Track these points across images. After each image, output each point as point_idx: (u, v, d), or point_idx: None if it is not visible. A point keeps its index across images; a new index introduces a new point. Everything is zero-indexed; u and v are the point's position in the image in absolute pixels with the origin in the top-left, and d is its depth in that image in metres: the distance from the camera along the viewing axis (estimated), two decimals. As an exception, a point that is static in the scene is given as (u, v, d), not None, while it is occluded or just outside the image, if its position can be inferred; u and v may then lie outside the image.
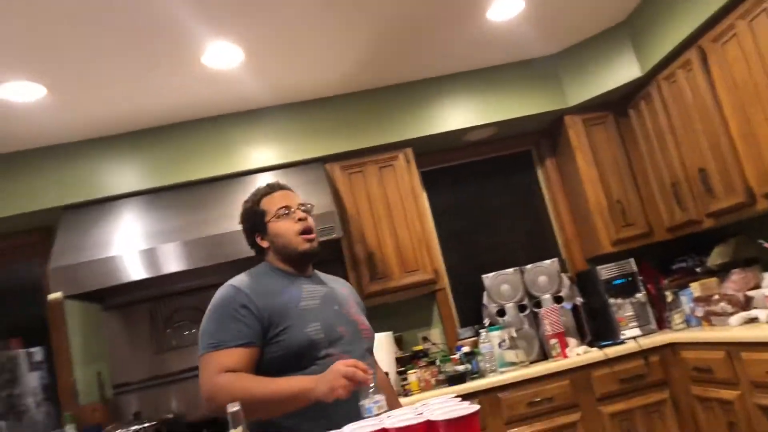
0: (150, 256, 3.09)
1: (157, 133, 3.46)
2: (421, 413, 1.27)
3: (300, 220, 1.86)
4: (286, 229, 1.85)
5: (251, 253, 3.03)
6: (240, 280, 1.82)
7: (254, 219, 1.90)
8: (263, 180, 3.44)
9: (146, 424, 3.03)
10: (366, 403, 1.72)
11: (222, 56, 2.87)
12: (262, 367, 1.72)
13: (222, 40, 2.74)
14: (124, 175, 3.40)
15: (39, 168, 3.35)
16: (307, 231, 1.86)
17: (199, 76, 3.01)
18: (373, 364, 1.93)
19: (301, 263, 1.89)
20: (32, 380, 4.48)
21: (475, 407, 1.19)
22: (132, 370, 3.47)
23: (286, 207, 1.87)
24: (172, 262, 3.10)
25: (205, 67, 2.95)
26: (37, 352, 4.56)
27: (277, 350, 1.72)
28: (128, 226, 3.26)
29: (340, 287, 1.98)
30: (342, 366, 1.59)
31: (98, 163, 3.40)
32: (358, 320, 1.89)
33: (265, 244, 1.90)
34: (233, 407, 1.25)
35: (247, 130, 3.52)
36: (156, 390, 3.45)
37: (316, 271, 1.98)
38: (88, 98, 2.99)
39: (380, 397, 1.73)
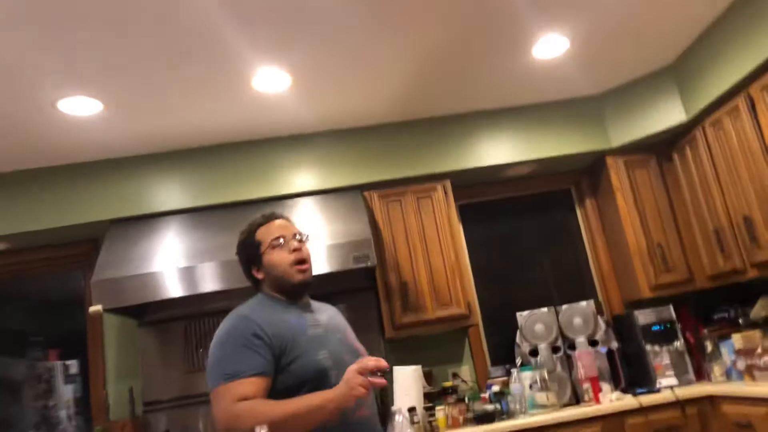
0: (189, 274, 3.15)
1: (203, 153, 3.56)
2: None
3: (294, 250, 1.86)
4: (280, 260, 1.85)
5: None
6: (248, 309, 1.83)
7: (249, 250, 1.90)
8: (303, 204, 3.51)
9: (174, 443, 3.05)
10: None
11: (271, 80, 2.95)
12: (272, 396, 1.72)
13: (271, 64, 2.82)
14: (169, 193, 3.50)
15: (90, 181, 3.47)
16: (301, 261, 1.86)
17: (248, 98, 3.10)
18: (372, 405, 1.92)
19: (296, 293, 1.89)
20: (66, 393, 4.56)
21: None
22: (163, 388, 3.50)
23: (281, 237, 1.87)
24: (210, 281, 3.15)
25: (255, 91, 3.03)
26: (73, 365, 4.65)
27: (289, 378, 1.72)
28: (170, 243, 3.33)
29: (335, 315, 2.00)
30: (352, 371, 1.63)
31: (146, 179, 3.50)
32: (359, 348, 1.92)
33: (260, 275, 1.90)
34: (262, 428, 1.26)
35: (289, 154, 3.59)
36: (185, 410, 3.47)
37: (312, 301, 1.99)
38: (141, 115, 3.10)
39: (410, 430, 1.73)
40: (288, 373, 1.72)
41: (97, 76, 2.68)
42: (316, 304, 1.99)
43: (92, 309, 3.05)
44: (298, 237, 1.91)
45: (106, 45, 2.47)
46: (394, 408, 1.81)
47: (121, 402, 3.50)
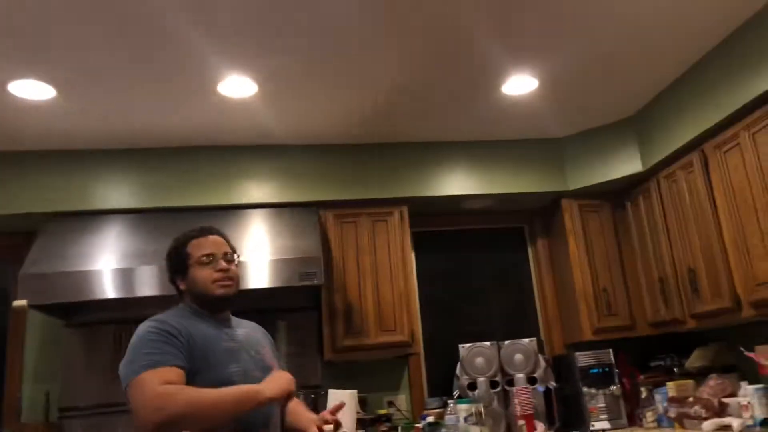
0: (125, 276, 3.02)
1: (156, 153, 3.44)
2: None
3: (220, 269, 1.85)
4: (204, 277, 1.85)
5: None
6: (164, 315, 1.81)
7: (177, 260, 1.89)
8: (256, 216, 3.43)
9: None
10: None
11: (237, 86, 2.89)
12: None
13: (238, 71, 2.76)
14: (115, 191, 3.36)
15: (33, 171, 3.31)
16: (223, 279, 1.86)
17: (212, 102, 3.02)
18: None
19: (215, 307, 1.89)
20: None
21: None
22: (82, 395, 3.30)
23: (210, 255, 1.86)
24: (147, 285, 3.03)
25: (220, 95, 2.95)
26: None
27: (198, 387, 1.67)
28: (110, 243, 3.20)
29: (255, 332, 2.01)
30: (289, 375, 1.75)
31: (93, 174, 3.36)
32: (273, 366, 1.91)
33: (183, 286, 1.90)
34: None
35: (247, 164, 3.51)
36: (103, 418, 3.27)
37: (233, 317, 1.98)
38: (96, 108, 2.98)
39: None
40: (198, 382, 1.68)
41: (52, 61, 2.56)
42: (236, 321, 1.98)
43: (16, 303, 2.89)
44: (228, 257, 1.90)
45: (66, 30, 2.37)
46: (326, 428, 1.75)
47: (35, 406, 3.29)
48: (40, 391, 3.31)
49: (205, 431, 1.61)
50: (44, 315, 3.32)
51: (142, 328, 1.75)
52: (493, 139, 3.76)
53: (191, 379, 1.68)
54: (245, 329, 1.96)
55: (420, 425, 3.18)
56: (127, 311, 3.38)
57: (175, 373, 1.64)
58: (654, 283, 3.48)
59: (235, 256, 1.94)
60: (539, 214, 4.08)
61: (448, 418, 3.11)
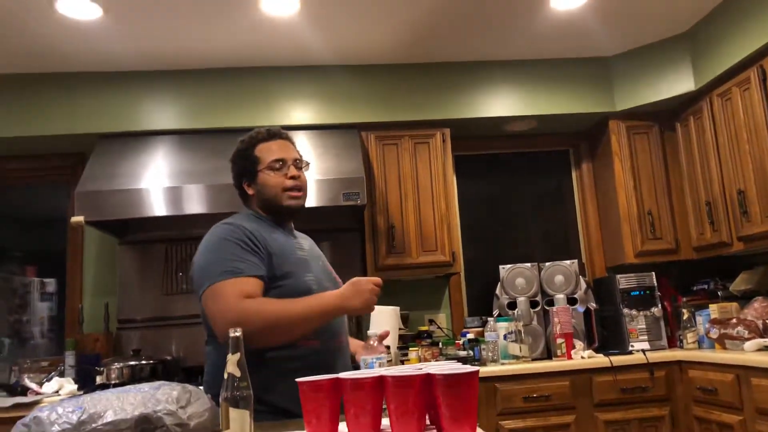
0: (174, 194, 3.11)
1: (201, 74, 3.48)
2: (420, 369, 1.26)
3: (292, 177, 1.80)
4: (275, 183, 1.79)
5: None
6: (236, 219, 1.76)
7: (245, 164, 1.82)
8: (298, 137, 3.42)
9: (144, 362, 3.06)
10: (368, 358, 1.72)
11: (279, 1, 2.84)
12: None
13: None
14: (162, 112, 3.43)
15: (82, 92, 3.39)
16: (295, 188, 1.81)
17: (254, 20, 3.00)
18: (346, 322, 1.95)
19: (284, 218, 1.85)
20: (41, 310, 4.56)
21: (475, 368, 1.17)
22: (138, 308, 3.49)
23: (281, 160, 1.80)
24: (195, 203, 3.12)
25: (262, 12, 2.93)
26: (50, 283, 4.63)
27: (276, 296, 1.66)
28: (159, 162, 3.29)
29: (314, 245, 1.98)
30: (365, 280, 1.64)
31: (140, 96, 3.43)
32: (336, 278, 1.91)
33: (251, 191, 1.84)
34: (235, 332, 1.24)
35: (289, 84, 3.51)
36: (158, 330, 3.47)
37: (293, 227, 1.96)
38: (141, 28, 3.01)
39: (383, 354, 1.73)
40: (276, 290, 1.67)
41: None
42: (297, 233, 1.95)
43: (74, 219, 3.02)
44: (298, 163, 1.84)
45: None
46: (370, 332, 1.81)
47: (96, 317, 3.49)
48: (100, 304, 3.50)
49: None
50: (100, 232, 3.47)
51: (218, 230, 1.71)
52: (538, 58, 3.66)
53: (270, 288, 1.66)
54: (308, 241, 1.94)
55: (460, 341, 3.27)
56: (176, 229, 3.53)
57: (253, 283, 1.61)
58: (701, 206, 3.41)
59: (306, 163, 1.89)
60: (585, 136, 4.00)
61: (488, 335, 3.19)
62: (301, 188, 1.83)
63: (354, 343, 1.98)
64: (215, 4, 2.85)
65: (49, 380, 3.01)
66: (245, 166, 1.83)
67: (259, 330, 1.53)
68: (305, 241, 1.92)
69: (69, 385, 2.94)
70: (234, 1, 2.83)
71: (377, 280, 1.66)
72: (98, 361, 3.23)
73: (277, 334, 1.59)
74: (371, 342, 1.78)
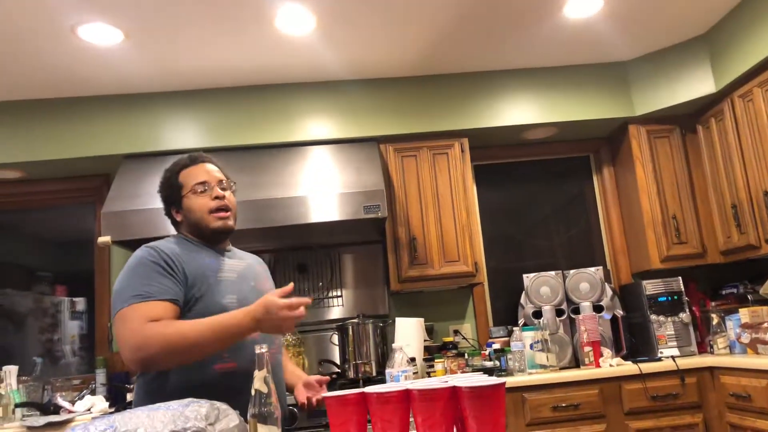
0: (198, 212, 3.14)
1: (220, 93, 3.53)
2: (446, 381, 1.26)
3: (216, 198, 1.80)
4: (199, 206, 1.80)
5: (296, 221, 3.09)
6: (158, 244, 1.76)
7: (170, 192, 1.85)
8: (318, 152, 3.49)
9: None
10: (394, 371, 1.72)
11: (295, 21, 2.90)
12: None
13: (296, 2, 2.76)
14: (183, 132, 3.48)
15: (105, 115, 3.46)
16: (221, 209, 1.81)
17: (270, 39, 3.05)
18: (281, 344, 1.90)
19: (215, 240, 1.84)
20: (72, 328, 4.63)
21: (501, 380, 1.17)
22: (166, 325, 3.53)
23: (204, 183, 1.81)
24: (219, 220, 3.15)
25: (277, 31, 2.98)
26: (80, 302, 4.70)
27: (192, 316, 1.65)
28: (181, 181, 3.33)
29: (256, 264, 1.95)
30: (277, 299, 1.54)
31: (161, 116, 3.49)
32: None
33: (179, 217, 1.85)
34: (260, 348, 1.26)
35: (307, 100, 3.55)
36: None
37: (234, 248, 1.94)
38: (161, 50, 3.07)
39: (409, 367, 1.73)
40: (191, 312, 1.66)
41: (120, 3, 2.64)
42: (238, 253, 1.94)
43: (101, 240, 3.07)
44: (223, 184, 1.85)
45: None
46: (395, 345, 1.81)
47: (126, 335, 3.54)
48: (127, 322, 3.54)
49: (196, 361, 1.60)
50: (126, 251, 3.52)
51: (137, 253, 1.71)
52: (554, 65, 3.66)
53: (186, 310, 1.66)
54: (247, 262, 1.91)
55: (486, 352, 3.25)
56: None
57: (163, 307, 1.60)
58: (727, 209, 3.36)
59: (231, 184, 1.89)
60: (605, 141, 3.97)
61: (514, 345, 3.16)
62: (228, 208, 1.82)
63: (295, 376, 1.93)
64: (232, 25, 2.90)
65: (81, 398, 3.06)
66: (170, 194, 1.85)
67: (161, 352, 1.52)
68: (241, 262, 1.88)
69: (100, 403, 2.98)
70: (251, 22, 2.88)
71: (290, 302, 1.55)
72: (128, 378, 3.28)
73: (180, 354, 1.55)
74: (396, 354, 1.78)
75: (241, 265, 1.86)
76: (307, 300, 1.59)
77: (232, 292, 1.74)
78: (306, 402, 1.80)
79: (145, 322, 1.56)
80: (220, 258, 1.82)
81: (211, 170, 1.85)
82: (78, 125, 3.44)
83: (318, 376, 1.89)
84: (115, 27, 2.81)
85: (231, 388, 1.62)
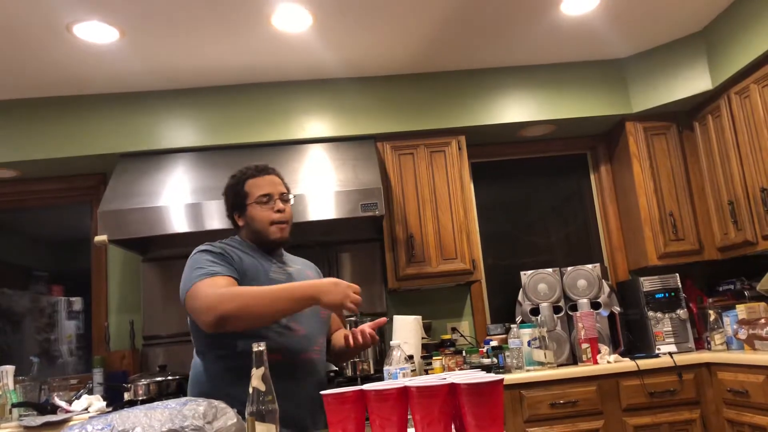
0: (195, 210, 3.14)
1: (217, 92, 3.52)
2: (444, 378, 1.26)
3: (278, 210, 1.92)
4: (262, 217, 1.91)
5: (294, 219, 3.07)
6: (215, 242, 1.90)
7: (236, 198, 1.96)
8: (315, 150, 3.48)
9: (170, 377, 3.09)
10: (392, 369, 1.72)
11: (291, 19, 2.89)
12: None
13: (292, 0, 2.75)
14: (180, 130, 3.48)
15: (102, 113, 3.45)
16: (281, 222, 1.92)
17: (266, 37, 3.04)
18: (323, 347, 1.97)
19: (271, 249, 1.96)
20: (69, 328, 4.62)
21: (499, 376, 1.17)
22: (163, 324, 3.54)
23: (268, 195, 1.92)
24: (216, 219, 3.14)
25: (274, 29, 2.97)
26: (77, 302, 4.70)
27: None
28: (178, 180, 3.33)
29: (306, 269, 2.05)
30: (345, 283, 1.69)
31: (158, 115, 3.48)
32: (322, 310, 1.94)
33: (241, 222, 1.97)
34: (258, 347, 1.26)
35: (304, 98, 3.54)
36: (183, 346, 3.50)
37: (286, 254, 2.05)
38: (157, 49, 3.06)
39: (407, 365, 1.73)
40: None
41: (116, 1, 2.62)
42: (290, 258, 2.05)
43: (98, 239, 3.06)
44: (284, 197, 1.96)
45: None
46: (393, 342, 1.81)
47: (122, 334, 3.55)
48: (125, 321, 3.55)
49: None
50: (123, 250, 3.52)
51: (197, 250, 1.86)
52: (551, 62, 3.66)
53: None
54: (297, 267, 2.02)
55: (484, 349, 3.25)
56: (197, 245, 3.55)
57: (227, 280, 1.73)
58: (723, 206, 3.37)
59: (290, 196, 2.00)
60: (602, 139, 3.98)
61: (512, 342, 3.17)
62: (287, 221, 1.94)
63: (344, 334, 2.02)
64: (229, 23, 2.89)
65: (78, 398, 3.05)
66: (235, 201, 1.96)
67: (235, 309, 1.63)
68: (292, 267, 1.99)
69: (98, 403, 2.98)
70: (247, 20, 2.87)
71: (357, 287, 1.71)
72: (125, 377, 3.27)
73: (253, 313, 1.65)
74: (394, 352, 1.79)
75: (292, 269, 1.98)
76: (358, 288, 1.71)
77: None
78: (348, 339, 1.88)
79: (216, 286, 1.69)
80: (273, 262, 1.93)
81: (275, 182, 1.97)
82: (74, 124, 3.43)
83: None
84: (111, 25, 2.80)
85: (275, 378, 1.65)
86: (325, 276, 1.97)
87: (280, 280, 1.87)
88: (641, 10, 3.12)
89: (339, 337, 2.05)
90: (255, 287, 1.72)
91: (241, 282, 1.78)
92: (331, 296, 1.67)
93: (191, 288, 1.72)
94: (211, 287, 1.69)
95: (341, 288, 1.68)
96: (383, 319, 1.94)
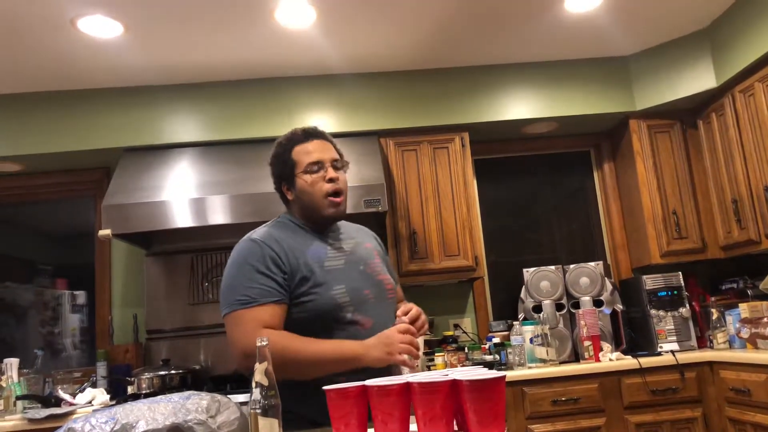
0: (198, 205, 3.15)
1: (220, 87, 3.52)
2: (447, 374, 1.26)
3: (330, 180, 1.73)
4: (313, 189, 1.72)
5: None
6: (263, 234, 1.71)
7: (283, 168, 1.77)
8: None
9: (173, 371, 3.10)
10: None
11: (295, 14, 2.89)
12: (286, 327, 1.63)
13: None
14: (184, 125, 3.48)
15: (105, 108, 3.46)
16: (335, 193, 1.73)
17: (270, 32, 3.04)
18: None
19: (324, 225, 1.78)
20: (73, 321, 4.64)
21: (501, 373, 1.17)
22: (166, 318, 3.55)
23: (318, 163, 1.73)
24: (219, 214, 3.15)
25: (278, 24, 2.97)
26: (81, 296, 4.72)
27: (301, 312, 1.64)
28: (182, 174, 3.33)
29: (365, 241, 1.86)
30: (398, 334, 1.55)
31: (162, 109, 3.48)
32: (383, 280, 1.79)
33: (290, 196, 1.78)
34: (261, 342, 1.26)
35: (307, 94, 3.54)
36: (186, 340, 3.52)
37: (341, 224, 1.86)
38: (161, 43, 3.06)
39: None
40: (300, 305, 1.64)
41: (119, -6, 2.63)
42: (346, 229, 1.86)
43: (101, 233, 3.07)
44: (337, 164, 1.77)
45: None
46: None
47: (125, 328, 3.56)
48: (128, 316, 3.56)
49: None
50: (127, 244, 3.53)
51: (241, 247, 1.68)
52: (555, 59, 3.65)
53: (294, 305, 1.63)
54: (354, 240, 1.82)
55: (486, 346, 3.26)
56: (201, 240, 3.58)
57: (270, 312, 1.59)
58: (727, 204, 3.36)
59: (346, 162, 1.81)
60: (606, 136, 3.97)
61: (514, 339, 3.17)
62: (341, 192, 1.75)
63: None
64: (232, 19, 2.89)
65: (82, 391, 3.06)
66: (283, 170, 1.77)
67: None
68: (348, 243, 1.80)
69: (101, 396, 2.99)
70: (251, 15, 2.87)
71: (407, 337, 1.57)
72: (129, 371, 3.29)
73: (287, 371, 1.52)
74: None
75: (348, 247, 1.78)
76: (415, 356, 1.57)
77: (341, 282, 1.68)
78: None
79: (258, 328, 1.56)
80: (327, 244, 1.75)
81: (325, 147, 1.77)
82: (78, 118, 3.44)
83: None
84: (115, 20, 2.80)
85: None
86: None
87: (337, 267, 1.70)
88: (645, 7, 3.11)
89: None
90: (300, 341, 1.57)
91: (297, 281, 1.63)
92: (375, 353, 1.56)
93: (232, 314, 1.60)
94: (255, 323, 1.56)
95: (383, 339, 1.56)
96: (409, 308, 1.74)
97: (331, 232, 1.80)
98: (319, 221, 1.76)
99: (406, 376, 1.32)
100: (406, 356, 1.54)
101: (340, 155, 1.80)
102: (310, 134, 1.78)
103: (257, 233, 1.72)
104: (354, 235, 1.86)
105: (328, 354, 1.57)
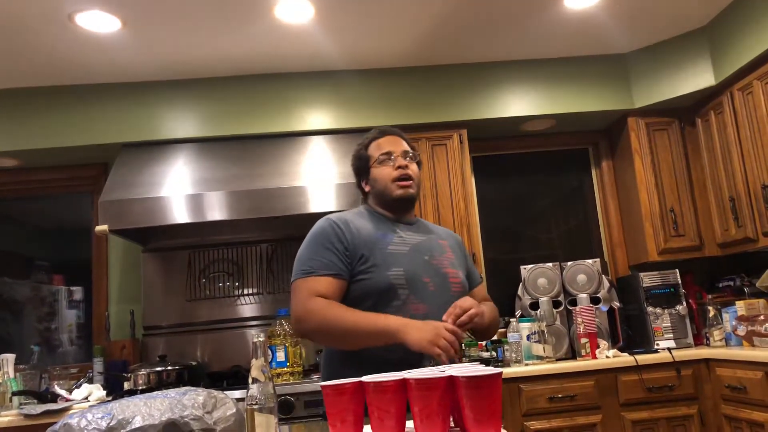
0: (196, 201, 3.15)
1: (219, 82, 3.52)
2: (443, 371, 1.26)
3: (399, 167, 1.86)
4: (383, 175, 1.87)
5: (295, 211, 3.10)
6: (337, 215, 1.86)
7: (360, 164, 1.94)
8: (316, 142, 3.48)
9: (170, 368, 3.10)
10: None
11: (293, 10, 2.88)
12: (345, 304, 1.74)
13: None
14: (182, 121, 3.47)
15: (103, 103, 3.45)
16: (403, 178, 1.85)
17: (269, 28, 3.03)
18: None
19: (398, 209, 1.89)
20: (69, 317, 4.63)
21: (498, 370, 1.17)
22: (163, 314, 3.54)
23: (388, 153, 1.88)
24: (217, 210, 3.15)
25: (276, 20, 2.96)
26: (78, 291, 4.70)
27: (357, 289, 1.75)
28: (179, 170, 3.33)
29: (442, 238, 1.95)
30: (445, 330, 1.56)
31: (160, 105, 3.47)
32: (449, 273, 1.85)
33: (367, 188, 1.94)
34: (258, 338, 1.26)
35: (306, 90, 3.54)
36: (183, 336, 3.52)
37: (421, 220, 1.99)
38: (159, 38, 3.05)
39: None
40: (357, 282, 1.75)
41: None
42: (424, 226, 1.96)
43: (99, 228, 3.06)
44: (407, 155, 1.90)
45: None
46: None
47: (122, 324, 3.55)
48: (125, 311, 3.55)
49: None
50: (124, 240, 3.52)
51: (316, 225, 1.83)
52: (554, 56, 3.64)
53: (353, 281, 1.75)
54: (429, 234, 1.92)
55: (483, 343, 3.26)
56: (198, 236, 3.57)
57: (326, 283, 1.71)
58: (725, 202, 3.36)
59: (417, 155, 1.95)
60: (604, 134, 3.97)
61: (511, 336, 3.17)
62: (410, 177, 1.87)
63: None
64: (231, 14, 2.88)
65: (78, 387, 3.06)
66: (360, 166, 1.95)
67: (317, 330, 1.68)
68: (420, 235, 1.89)
69: (98, 392, 2.99)
70: (249, 10, 2.86)
71: (449, 335, 1.55)
72: (125, 367, 3.29)
73: (333, 337, 1.69)
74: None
75: (418, 238, 1.88)
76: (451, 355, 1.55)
77: (399, 265, 1.76)
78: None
79: (311, 296, 1.70)
80: (396, 231, 1.86)
81: (396, 141, 1.93)
82: (75, 114, 3.43)
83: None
84: (113, 15, 2.79)
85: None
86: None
87: (400, 251, 1.79)
88: (644, 5, 3.11)
89: None
90: (347, 310, 1.67)
91: (357, 259, 1.74)
92: (414, 335, 1.57)
93: (294, 282, 1.76)
94: (308, 292, 1.70)
95: (431, 327, 1.57)
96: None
97: (409, 224, 1.91)
98: (391, 205, 1.88)
99: (403, 373, 1.32)
100: (443, 354, 1.54)
101: (413, 148, 1.94)
102: (385, 132, 1.96)
103: (333, 215, 1.86)
104: (433, 231, 1.97)
105: (365, 323, 1.65)
